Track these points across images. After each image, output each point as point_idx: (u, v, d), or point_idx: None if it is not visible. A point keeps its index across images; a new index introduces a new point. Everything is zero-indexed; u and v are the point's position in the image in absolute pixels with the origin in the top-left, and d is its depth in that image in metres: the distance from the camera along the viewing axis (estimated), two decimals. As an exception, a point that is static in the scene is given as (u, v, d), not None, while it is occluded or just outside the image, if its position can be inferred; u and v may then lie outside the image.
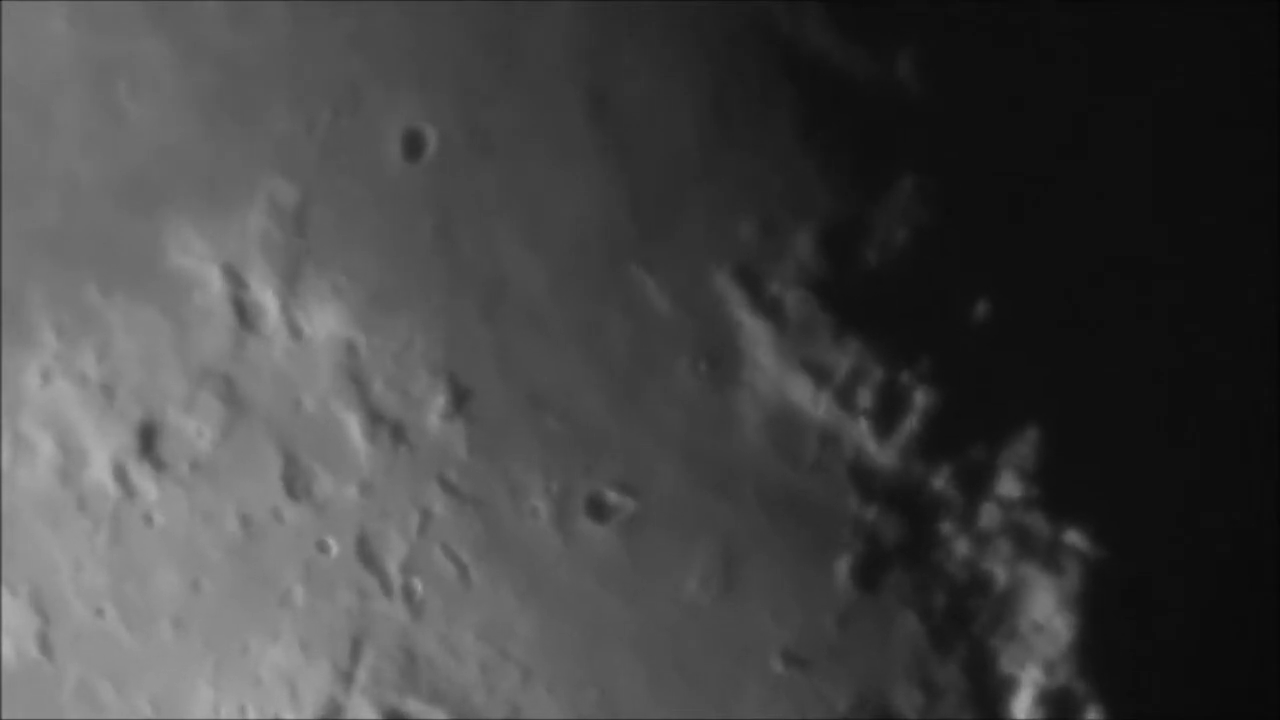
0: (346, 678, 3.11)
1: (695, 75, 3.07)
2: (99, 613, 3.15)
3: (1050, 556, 3.08)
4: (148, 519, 3.13)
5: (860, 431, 3.06)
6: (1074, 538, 3.09)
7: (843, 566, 3.06)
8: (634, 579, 3.06)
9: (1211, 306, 3.20)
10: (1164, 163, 3.18)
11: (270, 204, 3.10)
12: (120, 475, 3.13)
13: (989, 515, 3.08)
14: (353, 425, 3.09)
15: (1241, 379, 3.21)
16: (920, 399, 3.06)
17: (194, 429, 3.11)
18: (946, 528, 3.07)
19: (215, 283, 3.11)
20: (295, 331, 3.10)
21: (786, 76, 3.07)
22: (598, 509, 3.06)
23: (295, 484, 3.10)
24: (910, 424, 3.06)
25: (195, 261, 3.11)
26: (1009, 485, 3.07)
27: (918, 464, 3.06)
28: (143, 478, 3.13)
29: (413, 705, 3.11)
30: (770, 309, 3.05)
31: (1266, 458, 3.21)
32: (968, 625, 3.07)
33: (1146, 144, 3.18)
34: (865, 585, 3.06)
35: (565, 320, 3.06)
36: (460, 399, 3.07)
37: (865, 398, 3.06)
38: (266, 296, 3.11)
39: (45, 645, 3.16)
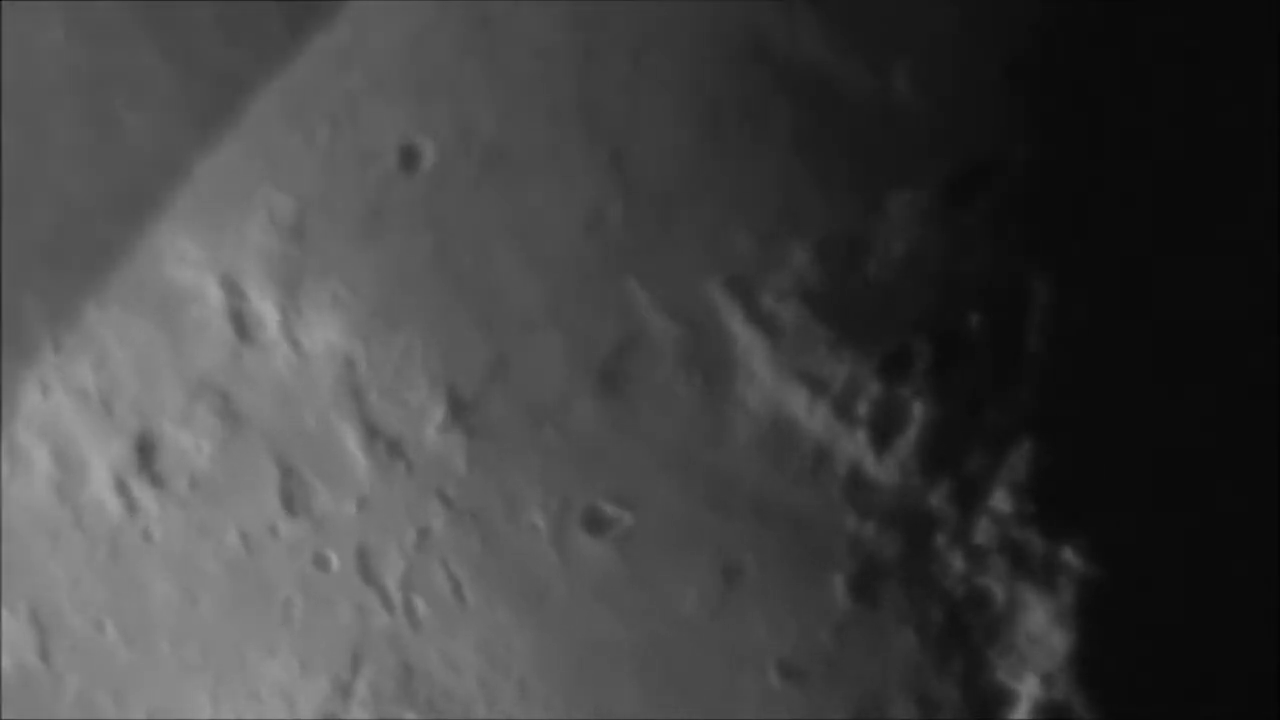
0: (345, 692, 3.12)
1: (691, 87, 3.06)
2: (98, 627, 3.16)
3: (1046, 569, 3.08)
4: (146, 534, 3.14)
5: (857, 444, 3.06)
6: (1070, 550, 3.08)
7: (839, 580, 3.06)
8: (630, 593, 3.06)
9: (1211, 308, 3.19)
10: (1163, 165, 3.17)
11: (268, 216, 3.10)
12: (119, 490, 3.13)
13: (985, 529, 3.08)
14: (351, 439, 3.09)
15: (1241, 386, 3.20)
16: (918, 412, 3.05)
17: (192, 443, 3.12)
18: (942, 542, 3.07)
19: (213, 295, 3.12)
20: (294, 344, 3.10)
21: (782, 88, 3.06)
22: (594, 522, 3.06)
23: (294, 498, 3.10)
24: (908, 437, 3.05)
25: (192, 273, 3.11)
26: (1005, 499, 3.07)
27: (915, 477, 3.06)
28: (141, 493, 3.13)
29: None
30: (766, 321, 3.05)
31: (1267, 467, 3.21)
32: (964, 639, 3.07)
33: (1146, 146, 3.17)
34: (862, 599, 3.06)
35: (561, 332, 3.06)
36: (458, 411, 3.07)
37: (862, 410, 3.05)
38: (265, 308, 3.11)
39: (44, 660, 3.17)
